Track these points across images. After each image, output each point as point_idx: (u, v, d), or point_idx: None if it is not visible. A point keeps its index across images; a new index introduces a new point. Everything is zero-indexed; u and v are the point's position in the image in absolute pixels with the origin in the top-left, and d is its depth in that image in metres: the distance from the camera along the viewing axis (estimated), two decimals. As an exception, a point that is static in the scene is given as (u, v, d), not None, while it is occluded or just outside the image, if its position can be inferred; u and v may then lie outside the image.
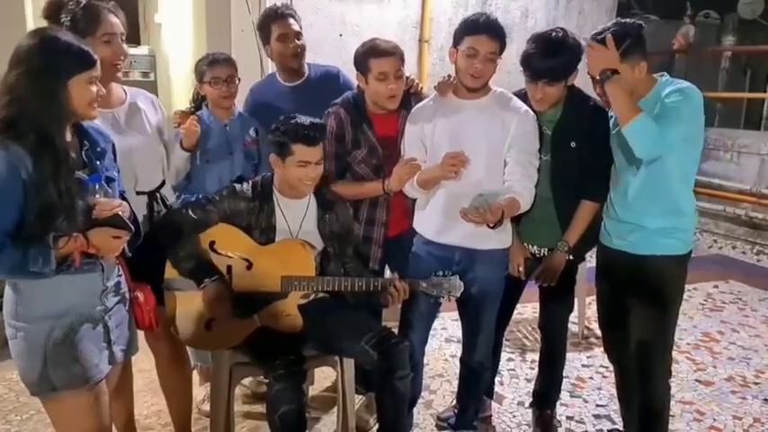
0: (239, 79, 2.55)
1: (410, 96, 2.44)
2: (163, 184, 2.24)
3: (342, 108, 2.39)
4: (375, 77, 2.27)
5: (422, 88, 2.56)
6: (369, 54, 2.27)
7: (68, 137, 1.64)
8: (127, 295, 1.85)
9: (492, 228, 2.09)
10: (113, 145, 1.82)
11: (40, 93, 1.53)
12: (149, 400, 2.77)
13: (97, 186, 1.63)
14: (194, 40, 4.51)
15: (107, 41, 1.99)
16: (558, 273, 2.32)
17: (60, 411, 1.70)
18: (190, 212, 2.08)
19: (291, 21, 2.72)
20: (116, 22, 2.02)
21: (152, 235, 2.04)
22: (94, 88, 1.62)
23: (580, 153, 2.23)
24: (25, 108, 1.53)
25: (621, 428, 2.60)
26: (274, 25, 2.69)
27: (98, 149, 1.72)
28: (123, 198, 1.79)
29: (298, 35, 2.72)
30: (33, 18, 3.62)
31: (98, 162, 1.70)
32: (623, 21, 2.09)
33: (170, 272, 2.10)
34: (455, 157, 2.11)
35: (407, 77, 2.48)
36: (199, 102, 2.58)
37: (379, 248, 2.47)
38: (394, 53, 2.27)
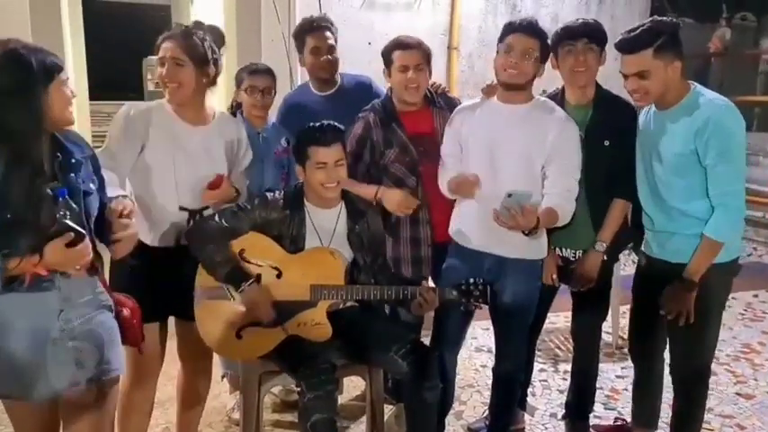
0: (275, 92, 2.58)
1: (437, 96, 2.51)
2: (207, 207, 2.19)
3: (371, 113, 2.47)
4: (397, 69, 2.39)
5: (448, 90, 2.64)
6: (393, 47, 2.41)
7: (45, 148, 1.57)
8: (108, 311, 1.70)
9: (527, 235, 2.06)
10: (93, 156, 1.73)
11: (16, 105, 1.49)
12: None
13: (60, 201, 1.51)
14: (225, 49, 4.59)
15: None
16: (594, 273, 2.29)
17: (11, 418, 1.71)
18: (222, 220, 2.08)
19: (327, 34, 2.72)
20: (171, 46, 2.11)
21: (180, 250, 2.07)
22: (68, 91, 1.59)
23: (612, 151, 2.23)
24: (2, 120, 1.49)
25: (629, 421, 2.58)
26: (309, 37, 2.72)
27: (72, 161, 1.61)
28: (103, 206, 1.71)
29: (331, 49, 2.72)
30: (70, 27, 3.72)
31: (72, 174, 1.59)
32: (659, 18, 2.10)
33: (203, 280, 2.11)
34: (466, 184, 2.18)
35: (434, 83, 2.57)
36: (235, 109, 2.63)
37: (428, 247, 2.46)
38: (415, 46, 2.40)
